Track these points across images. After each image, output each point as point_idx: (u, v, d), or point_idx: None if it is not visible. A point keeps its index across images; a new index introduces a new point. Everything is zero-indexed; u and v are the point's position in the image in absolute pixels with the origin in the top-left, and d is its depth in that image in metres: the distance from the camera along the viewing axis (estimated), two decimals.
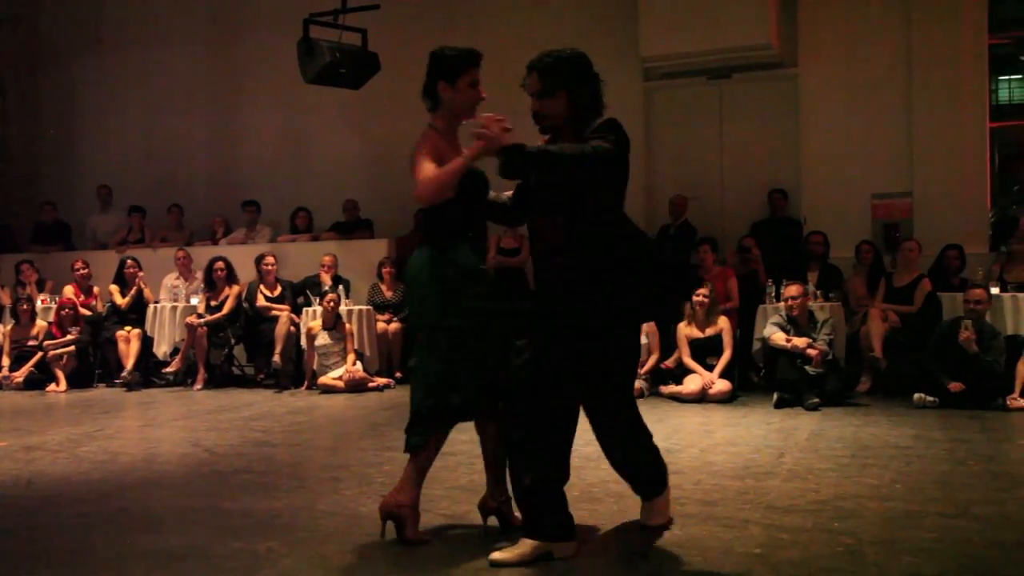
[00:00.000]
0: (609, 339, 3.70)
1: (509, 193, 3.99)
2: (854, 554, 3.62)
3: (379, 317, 9.87)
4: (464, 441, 6.14)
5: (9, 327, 10.48)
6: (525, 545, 3.52)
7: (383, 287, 10.18)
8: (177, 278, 10.61)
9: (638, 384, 8.26)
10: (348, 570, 3.51)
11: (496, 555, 3.49)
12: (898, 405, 7.50)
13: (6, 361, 10.27)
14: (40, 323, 10.41)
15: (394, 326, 9.87)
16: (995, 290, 8.21)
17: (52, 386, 9.93)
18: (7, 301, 11.02)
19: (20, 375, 10.08)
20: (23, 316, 10.42)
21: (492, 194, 4.00)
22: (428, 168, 3.79)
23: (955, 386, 7.37)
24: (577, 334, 3.63)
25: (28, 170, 13.52)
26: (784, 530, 3.93)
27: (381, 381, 9.27)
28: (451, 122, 4.00)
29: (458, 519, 4.18)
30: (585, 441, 6.12)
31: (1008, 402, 7.30)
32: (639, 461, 4.05)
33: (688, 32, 9.74)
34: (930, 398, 7.43)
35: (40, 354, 10.13)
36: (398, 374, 9.65)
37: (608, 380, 3.86)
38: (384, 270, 10.16)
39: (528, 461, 3.68)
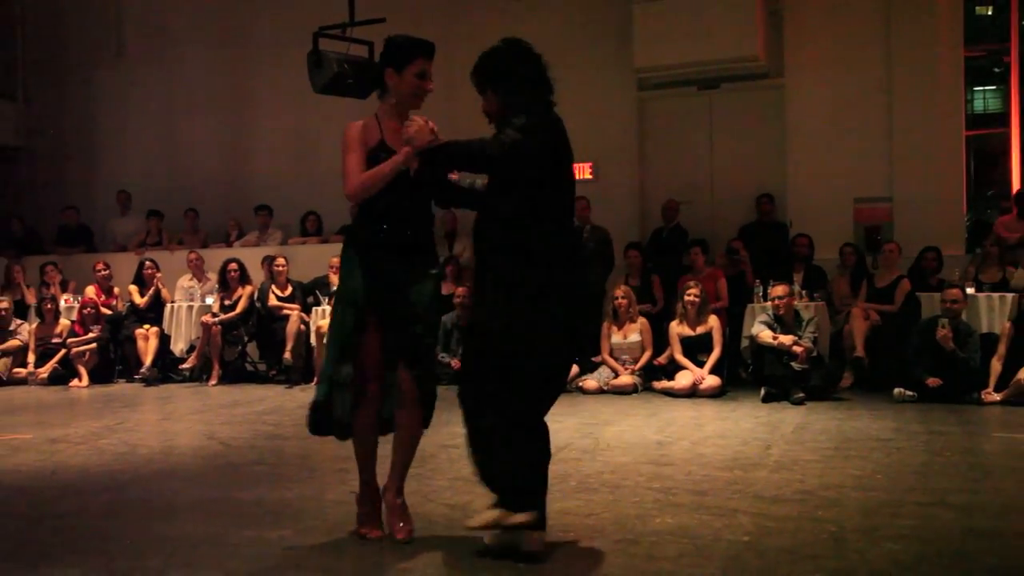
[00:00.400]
0: (500, 341, 3.40)
1: (484, 181, 3.78)
2: (837, 541, 3.62)
3: None
4: (464, 435, 6.15)
5: (34, 325, 10.49)
6: (495, 512, 3.38)
7: None
8: (191, 279, 10.62)
9: (632, 380, 8.27)
10: (356, 557, 3.51)
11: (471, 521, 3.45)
12: (879, 400, 7.50)
13: (31, 358, 10.28)
14: (63, 322, 10.41)
15: None
16: (971, 290, 8.22)
17: (75, 381, 9.93)
18: (32, 300, 11.03)
19: (45, 371, 10.08)
20: (47, 315, 10.43)
21: (468, 180, 3.88)
22: (352, 164, 3.76)
23: (933, 381, 7.37)
24: (483, 330, 3.50)
25: (52, 176, 13.50)
26: (771, 518, 3.94)
27: None
28: (396, 109, 3.79)
29: (460, 508, 4.18)
30: (583, 434, 6.16)
31: (983, 397, 7.30)
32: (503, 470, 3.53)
33: (679, 45, 9.73)
34: (909, 393, 7.44)
35: (64, 351, 10.13)
36: None
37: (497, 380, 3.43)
38: None
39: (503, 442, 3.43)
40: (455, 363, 9.03)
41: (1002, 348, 7.50)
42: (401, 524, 3.66)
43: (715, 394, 7.91)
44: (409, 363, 3.63)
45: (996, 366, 7.45)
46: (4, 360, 10.15)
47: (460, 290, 9.39)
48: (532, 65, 3.81)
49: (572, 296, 3.51)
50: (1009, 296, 8.10)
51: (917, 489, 4.49)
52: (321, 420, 3.69)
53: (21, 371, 10.19)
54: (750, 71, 10.13)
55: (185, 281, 10.62)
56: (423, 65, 3.87)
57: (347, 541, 3.68)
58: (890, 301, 8.57)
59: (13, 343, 10.28)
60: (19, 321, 10.54)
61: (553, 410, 7.31)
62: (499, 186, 3.54)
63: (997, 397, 7.27)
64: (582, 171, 10.95)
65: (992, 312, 8.17)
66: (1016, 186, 10.47)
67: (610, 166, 10.85)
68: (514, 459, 3.41)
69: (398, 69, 3.82)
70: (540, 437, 3.47)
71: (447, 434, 6.18)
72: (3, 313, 10.35)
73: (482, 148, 3.44)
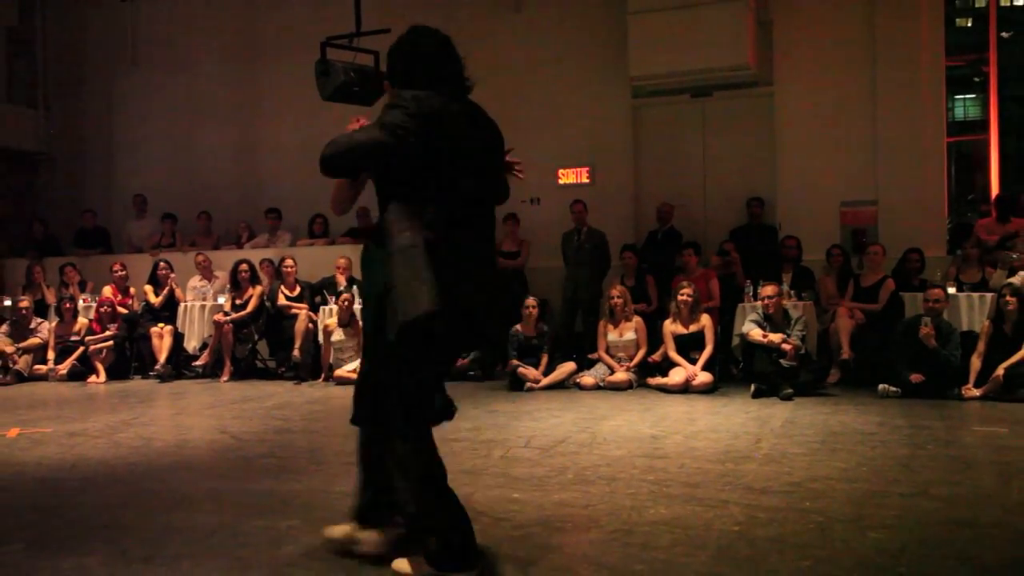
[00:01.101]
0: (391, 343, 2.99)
1: None
2: (824, 531, 3.63)
3: None
4: (467, 428, 6.17)
5: (54, 324, 10.50)
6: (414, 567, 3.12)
7: None
8: (200, 279, 10.63)
9: (627, 376, 8.28)
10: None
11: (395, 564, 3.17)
12: (864, 395, 7.50)
13: (51, 355, 10.29)
14: (82, 320, 10.42)
15: None
16: (952, 290, 8.22)
17: (93, 378, 9.94)
18: (52, 300, 11.05)
19: (64, 368, 10.09)
20: (67, 314, 10.44)
21: None
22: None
23: (916, 377, 7.38)
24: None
25: (71, 181, 13.52)
26: (761, 509, 3.94)
27: None
28: None
29: (462, 500, 4.17)
30: (580, 428, 6.16)
31: (963, 392, 7.30)
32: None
33: (673, 54, 9.74)
34: (893, 388, 7.44)
35: (82, 348, 10.14)
36: None
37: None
38: None
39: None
40: (457, 360, 9.05)
41: (981, 346, 7.50)
42: None
43: (707, 390, 7.91)
44: None
45: (976, 363, 7.45)
46: (25, 357, 10.15)
47: None
48: (429, 52, 3.30)
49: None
50: (988, 296, 8.10)
51: (900, 481, 4.49)
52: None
53: (42, 368, 10.20)
54: (741, 79, 10.14)
55: (195, 281, 10.64)
56: None
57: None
58: (875, 300, 8.57)
59: (34, 341, 10.29)
60: (40, 320, 10.55)
61: (551, 405, 7.36)
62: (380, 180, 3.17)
63: (977, 393, 7.27)
64: (579, 175, 10.98)
65: (972, 311, 8.18)
66: (995, 190, 10.47)
67: (606, 171, 10.87)
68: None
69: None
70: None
71: (450, 428, 6.19)
72: (24, 312, 10.37)
73: (340, 141, 3.05)
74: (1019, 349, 7.25)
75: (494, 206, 3.35)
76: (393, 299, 2.91)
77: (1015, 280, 7.97)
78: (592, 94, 10.80)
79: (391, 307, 2.92)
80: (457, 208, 3.09)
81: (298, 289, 10.06)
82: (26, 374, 10.05)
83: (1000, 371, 7.18)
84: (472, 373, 9.10)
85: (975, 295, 8.28)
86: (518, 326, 8.71)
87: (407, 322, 2.87)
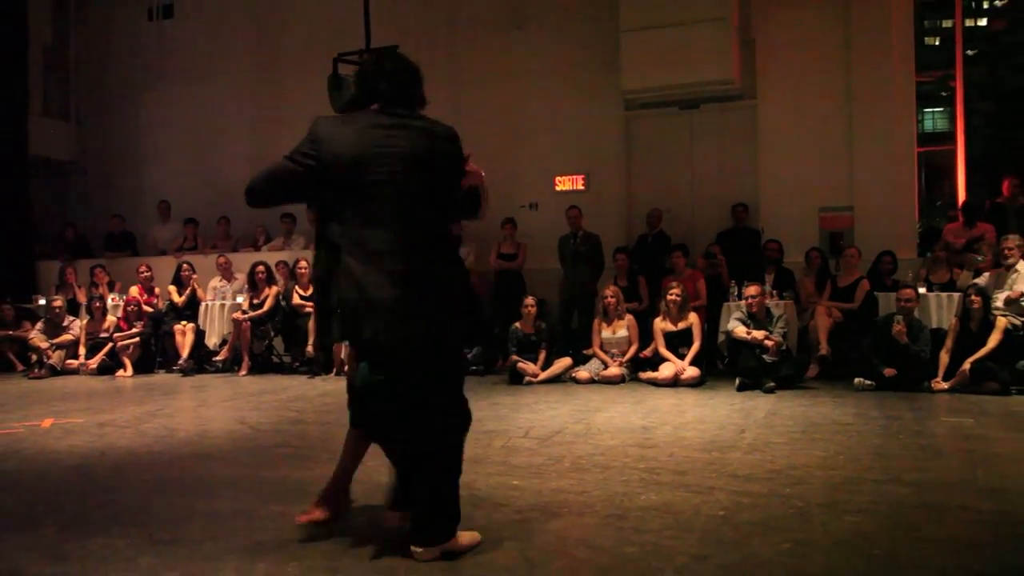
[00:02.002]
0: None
1: None
2: (804, 515, 3.62)
3: None
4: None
5: (85, 321, 10.51)
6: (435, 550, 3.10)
7: None
8: (220, 280, 10.61)
9: (620, 371, 8.27)
10: (371, 529, 3.51)
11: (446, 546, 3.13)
12: (841, 388, 7.50)
13: (82, 350, 10.29)
14: (110, 318, 10.42)
15: None
16: (922, 290, 8.22)
17: (120, 372, 9.93)
18: (83, 299, 11.05)
19: (94, 362, 10.08)
20: (96, 312, 10.44)
21: None
22: None
23: (889, 372, 7.38)
24: None
25: (101, 188, 13.51)
26: (745, 495, 3.94)
27: None
28: None
29: (465, 487, 4.17)
30: (576, 420, 6.16)
31: (933, 385, 7.31)
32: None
33: (662, 69, 9.74)
34: (868, 382, 7.44)
35: (110, 344, 10.14)
36: None
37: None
38: None
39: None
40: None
41: (949, 342, 7.51)
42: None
43: (695, 384, 7.91)
44: None
45: (944, 358, 7.45)
46: (59, 352, 10.15)
47: None
48: (359, 74, 3.31)
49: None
50: (956, 295, 8.11)
51: (874, 468, 4.49)
52: None
53: (73, 362, 10.20)
54: (726, 93, 10.15)
55: (215, 282, 10.62)
56: None
57: (363, 516, 3.68)
58: (851, 300, 8.57)
59: (66, 337, 10.29)
60: (71, 318, 10.55)
61: (549, 398, 7.35)
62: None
63: (945, 386, 7.27)
64: (575, 182, 10.98)
65: (941, 309, 8.19)
66: (962, 197, 10.49)
67: (600, 178, 10.87)
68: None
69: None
70: None
71: None
72: (57, 310, 10.37)
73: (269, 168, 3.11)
74: (984, 345, 7.26)
75: (427, 218, 3.07)
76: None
77: (980, 281, 7.99)
78: (587, 106, 10.80)
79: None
80: (362, 224, 2.97)
81: (311, 289, 10.05)
82: (59, 368, 10.04)
83: (967, 365, 7.19)
84: (474, 368, 9.09)
85: (944, 295, 8.28)
86: (518, 324, 8.71)
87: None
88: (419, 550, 3.09)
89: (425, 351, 3.01)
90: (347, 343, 3.39)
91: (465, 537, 3.20)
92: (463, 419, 3.23)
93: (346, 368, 8.40)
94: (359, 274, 2.94)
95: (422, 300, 2.97)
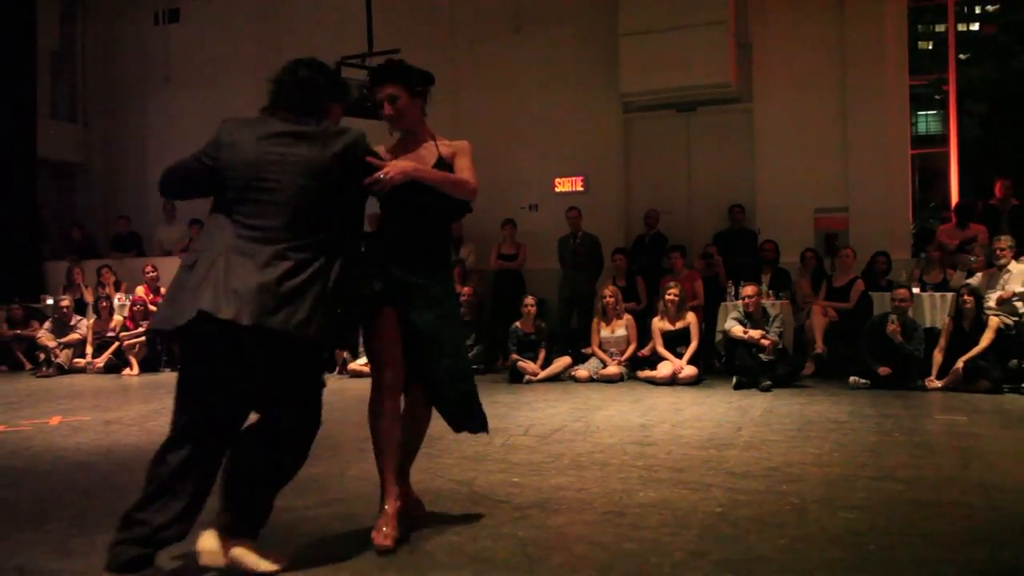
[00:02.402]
0: None
1: None
2: (800, 511, 3.62)
3: None
4: None
5: (92, 321, 10.50)
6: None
7: None
8: None
9: (619, 369, 8.26)
10: (372, 524, 3.50)
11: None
12: (836, 386, 7.50)
13: (89, 349, 10.30)
14: (117, 318, 10.42)
15: None
16: (916, 290, 8.23)
17: (127, 370, 9.94)
18: (90, 299, 11.05)
19: (101, 361, 10.09)
20: (103, 312, 10.45)
21: None
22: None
23: (883, 370, 7.38)
24: None
25: (108, 189, 13.53)
26: (741, 492, 3.93)
27: None
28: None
29: (466, 484, 4.17)
30: (575, 418, 6.15)
31: (926, 383, 7.32)
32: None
33: (660, 72, 9.75)
34: (863, 380, 7.44)
35: (117, 343, 10.15)
36: None
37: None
38: None
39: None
40: None
41: (943, 341, 7.51)
42: (384, 529, 3.20)
43: (692, 382, 7.91)
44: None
45: (938, 357, 7.46)
46: (66, 351, 10.16)
47: (465, 289, 9.39)
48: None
49: None
50: (949, 295, 8.11)
51: (869, 465, 4.48)
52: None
53: (80, 361, 10.21)
54: (723, 96, 10.14)
55: None
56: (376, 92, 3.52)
57: (365, 512, 3.67)
58: (846, 299, 8.57)
59: (74, 336, 10.30)
60: (79, 317, 10.55)
61: (548, 396, 7.35)
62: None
63: (938, 384, 7.27)
64: (574, 184, 10.98)
65: (935, 309, 8.20)
66: (955, 199, 10.47)
67: (599, 180, 10.86)
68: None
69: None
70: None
71: None
72: (65, 310, 10.38)
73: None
74: (977, 344, 7.26)
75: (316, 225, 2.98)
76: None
77: (972, 281, 7.99)
78: (586, 109, 10.80)
79: None
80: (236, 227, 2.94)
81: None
82: (66, 367, 10.05)
83: (960, 364, 7.19)
84: (474, 367, 9.07)
85: (937, 295, 8.28)
86: (518, 323, 8.70)
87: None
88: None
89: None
90: None
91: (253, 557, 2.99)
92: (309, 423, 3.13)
93: (351, 366, 8.37)
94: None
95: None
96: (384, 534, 3.18)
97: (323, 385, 3.16)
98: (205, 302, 2.77)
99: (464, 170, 3.42)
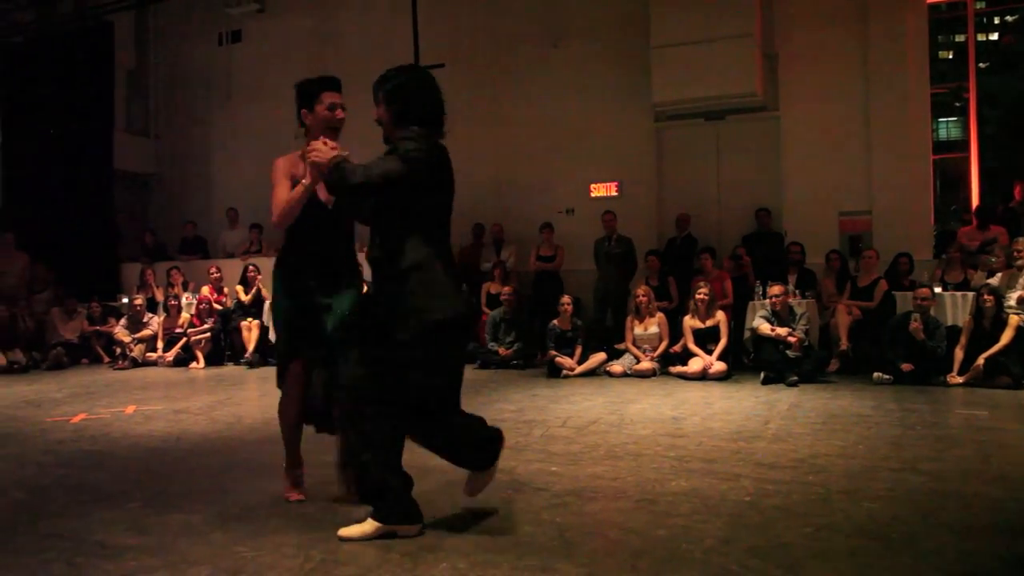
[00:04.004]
0: (403, 353, 3.07)
1: None
2: (825, 501, 3.57)
3: None
4: (511, 410, 6.17)
5: (162, 318, 10.70)
6: (370, 525, 3.14)
7: None
8: None
9: (652, 365, 8.22)
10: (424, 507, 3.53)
11: (344, 531, 3.16)
12: (860, 382, 7.38)
13: (160, 344, 10.48)
14: (184, 315, 10.60)
15: None
16: (938, 289, 8.07)
17: (193, 364, 10.11)
18: (161, 298, 11.25)
19: (170, 355, 10.27)
20: (172, 310, 10.63)
21: None
22: (280, 194, 3.52)
23: (906, 366, 7.25)
24: (383, 343, 3.12)
25: (176, 197, 13.75)
26: (769, 482, 3.89)
27: None
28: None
29: (507, 472, 4.18)
30: (610, 411, 6.14)
31: (948, 379, 7.18)
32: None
33: (690, 83, 9.66)
34: (886, 376, 7.32)
35: (185, 339, 10.32)
36: None
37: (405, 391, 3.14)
38: None
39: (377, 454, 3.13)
40: (502, 351, 9.06)
41: (964, 339, 7.35)
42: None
43: (722, 377, 7.83)
44: (324, 365, 3.62)
45: (959, 353, 7.30)
46: (139, 346, 10.35)
47: (506, 289, 9.41)
48: (430, 94, 3.28)
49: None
50: (970, 295, 7.93)
51: (892, 457, 4.41)
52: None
53: (152, 355, 10.40)
54: (750, 105, 10.02)
55: None
56: (331, 98, 3.65)
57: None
58: (870, 298, 8.43)
59: (146, 332, 10.49)
60: (151, 315, 10.75)
61: (585, 391, 7.34)
62: (386, 206, 3.17)
63: (960, 380, 7.13)
64: (609, 189, 10.94)
65: (956, 308, 8.03)
66: (975, 202, 10.26)
67: (632, 185, 10.81)
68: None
69: (310, 107, 3.64)
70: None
71: (496, 410, 6.21)
72: (138, 308, 10.57)
73: (372, 169, 3.09)
74: (997, 341, 7.11)
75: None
76: (416, 306, 3.07)
77: (993, 281, 7.82)
78: (620, 118, 10.75)
79: (413, 314, 3.06)
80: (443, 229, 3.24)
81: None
82: (140, 360, 10.24)
83: (980, 361, 7.05)
84: (515, 362, 9.09)
85: (958, 294, 8.12)
86: (555, 321, 8.69)
87: (439, 322, 3.06)
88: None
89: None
90: None
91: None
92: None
93: None
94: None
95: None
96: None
97: None
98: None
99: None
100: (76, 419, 6.25)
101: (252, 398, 7.56)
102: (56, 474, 4.44)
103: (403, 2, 9.85)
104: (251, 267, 10.77)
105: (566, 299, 8.79)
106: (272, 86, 12.80)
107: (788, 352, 7.52)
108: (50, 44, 12.55)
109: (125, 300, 11.26)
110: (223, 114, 13.33)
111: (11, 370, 9.86)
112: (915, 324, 7.31)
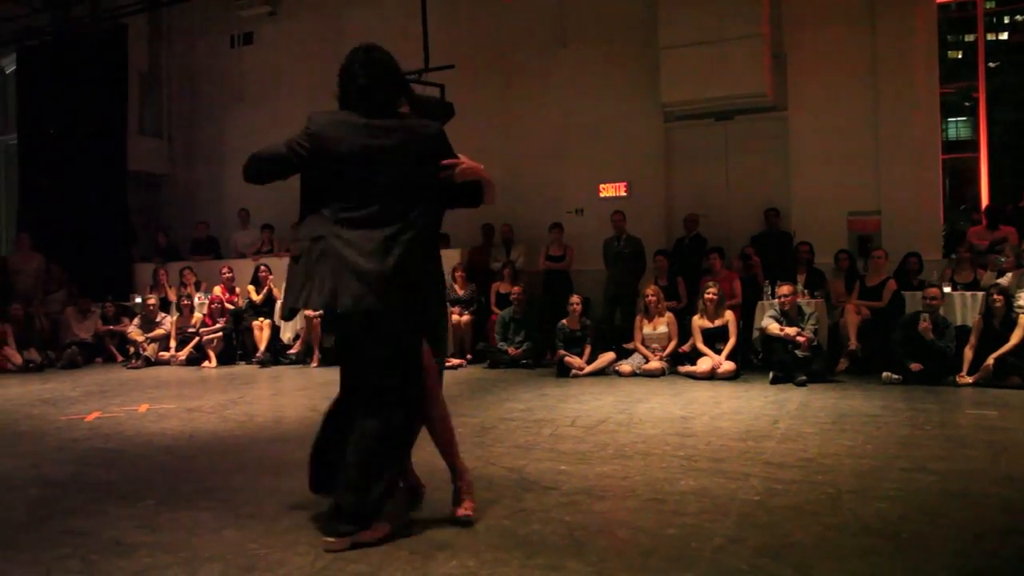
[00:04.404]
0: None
1: None
2: (834, 501, 3.56)
3: (452, 310, 9.87)
4: (520, 409, 6.17)
5: (175, 318, 10.74)
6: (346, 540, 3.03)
7: (456, 287, 10.11)
8: None
9: (660, 365, 8.20)
10: (429, 508, 3.53)
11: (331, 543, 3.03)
12: (869, 382, 7.35)
13: (173, 343, 10.53)
14: (197, 315, 10.64)
15: (465, 318, 9.81)
16: (947, 289, 8.03)
17: (206, 363, 10.15)
18: (173, 298, 11.30)
19: (183, 354, 10.32)
20: (185, 309, 10.67)
21: None
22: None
23: (915, 366, 7.21)
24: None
25: (188, 198, 13.81)
26: (778, 482, 3.88)
27: (455, 361, 9.26)
28: None
29: (516, 471, 4.18)
30: (619, 410, 6.13)
31: (957, 379, 7.14)
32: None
33: (699, 83, 9.65)
34: (895, 376, 7.28)
35: (197, 338, 10.36)
36: (468, 356, 9.66)
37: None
38: (457, 273, 10.05)
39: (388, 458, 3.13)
40: (512, 350, 9.06)
41: (973, 338, 7.31)
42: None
43: (731, 377, 7.81)
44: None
45: (968, 353, 7.26)
46: (153, 345, 10.40)
47: (516, 289, 9.41)
48: (343, 75, 3.35)
49: None
50: (979, 294, 7.88)
51: (901, 457, 4.39)
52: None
53: (165, 354, 10.44)
54: (759, 105, 10.00)
55: None
56: None
57: (438, 494, 3.70)
58: (879, 298, 8.39)
59: (159, 332, 10.54)
60: (164, 314, 10.80)
61: (594, 390, 7.33)
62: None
63: (969, 380, 7.09)
64: (618, 189, 10.93)
65: (965, 308, 7.98)
66: (985, 201, 10.20)
67: (641, 185, 10.80)
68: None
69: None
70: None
71: (505, 409, 6.21)
72: (151, 307, 10.62)
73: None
74: (1007, 341, 7.06)
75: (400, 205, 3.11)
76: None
77: (1002, 281, 7.79)
78: (629, 118, 10.73)
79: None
80: (340, 210, 3.11)
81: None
82: (153, 359, 10.29)
83: (990, 361, 7.00)
84: (524, 362, 9.09)
85: (968, 294, 8.07)
86: (564, 320, 8.68)
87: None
88: (330, 540, 3.03)
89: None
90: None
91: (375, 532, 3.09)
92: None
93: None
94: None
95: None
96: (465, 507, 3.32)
97: None
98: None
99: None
100: (90, 417, 6.29)
101: (263, 397, 7.58)
102: (71, 471, 4.47)
103: (413, 4, 9.85)
104: (262, 267, 10.81)
105: (575, 299, 8.79)
106: (283, 87, 12.87)
107: (797, 352, 7.49)
108: (65, 47, 12.64)
109: (138, 300, 11.32)
110: (235, 115, 13.38)
111: (27, 369, 9.93)
112: (924, 324, 7.28)
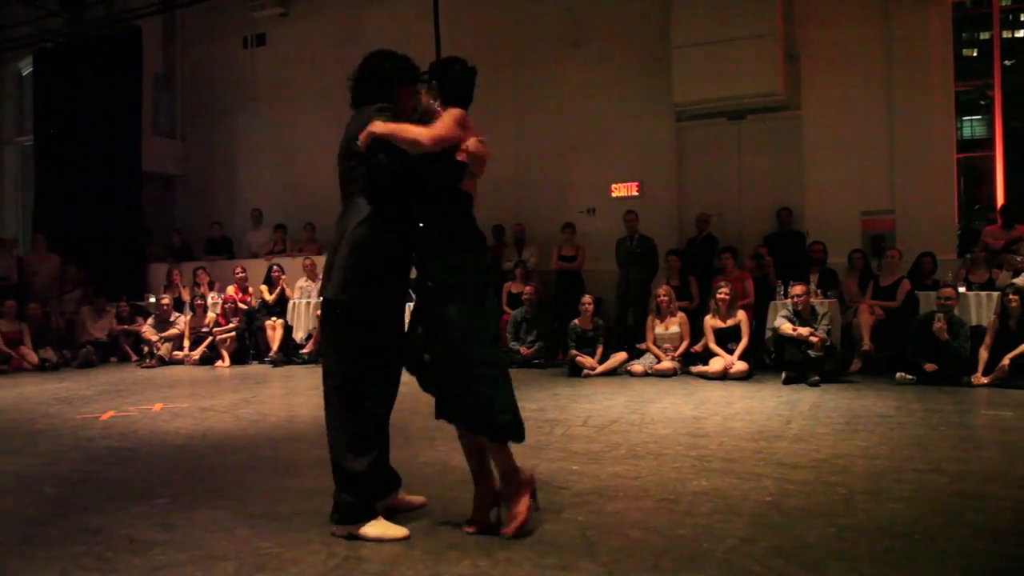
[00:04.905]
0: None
1: None
2: (847, 502, 3.54)
3: None
4: (532, 409, 6.16)
5: (189, 317, 10.79)
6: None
7: None
8: (306, 280, 10.74)
9: (673, 364, 8.18)
10: (442, 507, 3.54)
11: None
12: (883, 382, 7.31)
13: (187, 343, 10.58)
14: (210, 314, 10.69)
15: None
16: (962, 289, 7.97)
17: (219, 362, 10.19)
18: (187, 298, 11.35)
19: (196, 354, 10.37)
20: (198, 309, 10.73)
21: None
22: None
23: (929, 367, 7.17)
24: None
25: (202, 198, 13.88)
26: (791, 482, 3.86)
27: None
28: None
29: (528, 471, 4.17)
30: (631, 410, 6.11)
31: (972, 380, 7.09)
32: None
33: (711, 83, 9.61)
34: (909, 376, 7.24)
35: (210, 338, 10.41)
36: None
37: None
38: None
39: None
40: (523, 350, 9.06)
41: (988, 339, 7.25)
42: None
43: (743, 377, 7.78)
44: None
45: (983, 354, 7.21)
46: (167, 345, 10.45)
47: (528, 288, 9.41)
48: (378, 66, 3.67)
49: None
50: (995, 294, 7.82)
51: (915, 458, 4.36)
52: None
53: (179, 354, 10.50)
54: (771, 104, 9.94)
55: (301, 282, 10.77)
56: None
57: (435, 495, 3.71)
58: (892, 298, 8.34)
59: (173, 331, 10.60)
60: (177, 314, 10.85)
61: (605, 390, 7.31)
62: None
63: (984, 380, 7.03)
64: (630, 189, 10.90)
65: (980, 308, 7.92)
66: (1000, 201, 10.11)
67: (654, 185, 10.77)
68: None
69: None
70: None
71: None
72: (165, 307, 10.68)
73: None
74: (1022, 342, 7.00)
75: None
76: None
77: (1018, 280, 7.71)
78: (641, 118, 10.71)
79: None
80: None
81: None
82: (167, 359, 10.35)
83: (1006, 361, 6.95)
84: (536, 361, 9.09)
85: (983, 294, 8.01)
86: (577, 320, 8.68)
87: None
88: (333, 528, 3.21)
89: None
90: None
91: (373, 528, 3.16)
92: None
93: None
94: None
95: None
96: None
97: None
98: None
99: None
100: (105, 416, 6.33)
101: (276, 396, 7.61)
102: (86, 470, 4.50)
103: (426, 4, 9.87)
104: (275, 267, 10.85)
105: (587, 298, 8.78)
106: (296, 88, 12.91)
107: (810, 352, 7.45)
108: (80, 49, 12.73)
109: (153, 300, 11.38)
110: (248, 116, 13.43)
111: (43, 368, 10.00)
112: (939, 324, 7.23)
